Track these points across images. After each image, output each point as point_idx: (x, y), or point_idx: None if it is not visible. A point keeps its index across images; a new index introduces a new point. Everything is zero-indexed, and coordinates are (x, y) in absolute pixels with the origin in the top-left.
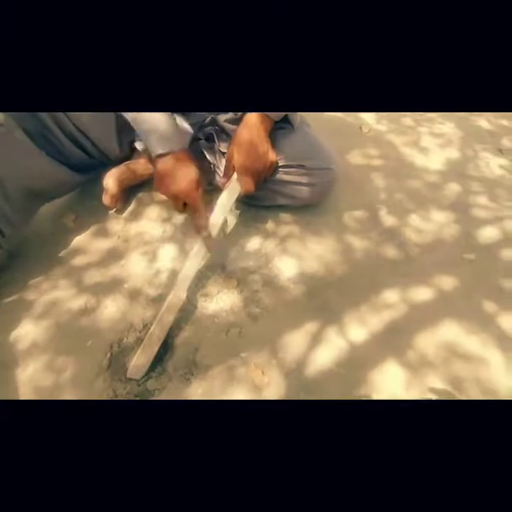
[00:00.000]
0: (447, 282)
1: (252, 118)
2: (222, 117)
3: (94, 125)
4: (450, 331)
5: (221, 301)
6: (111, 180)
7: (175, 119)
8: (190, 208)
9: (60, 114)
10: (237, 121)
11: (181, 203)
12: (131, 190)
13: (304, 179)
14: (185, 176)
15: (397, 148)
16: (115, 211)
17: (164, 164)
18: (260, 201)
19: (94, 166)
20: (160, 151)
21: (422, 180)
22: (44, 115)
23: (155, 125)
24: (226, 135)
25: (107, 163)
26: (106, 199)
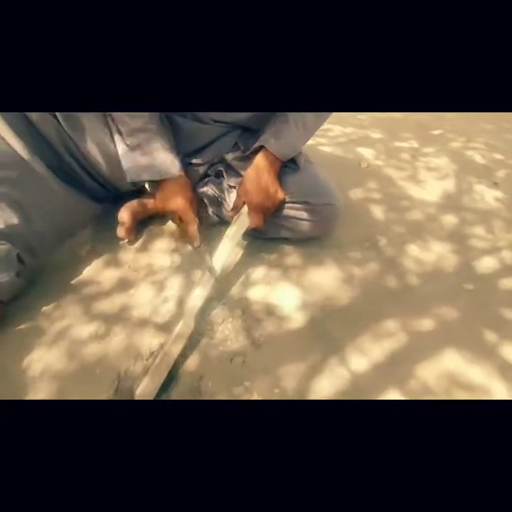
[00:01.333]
0: (447, 312)
1: (263, 159)
2: (230, 156)
3: (105, 163)
4: (451, 361)
5: (226, 329)
6: (125, 214)
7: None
8: (184, 220)
9: (75, 149)
10: (244, 159)
11: (177, 216)
12: (142, 223)
13: (307, 214)
14: (181, 195)
15: (395, 181)
16: (128, 242)
17: (166, 186)
18: (265, 234)
19: (109, 196)
20: (162, 178)
21: (420, 212)
22: (61, 150)
23: (152, 162)
24: (233, 171)
25: (121, 194)
26: (120, 231)
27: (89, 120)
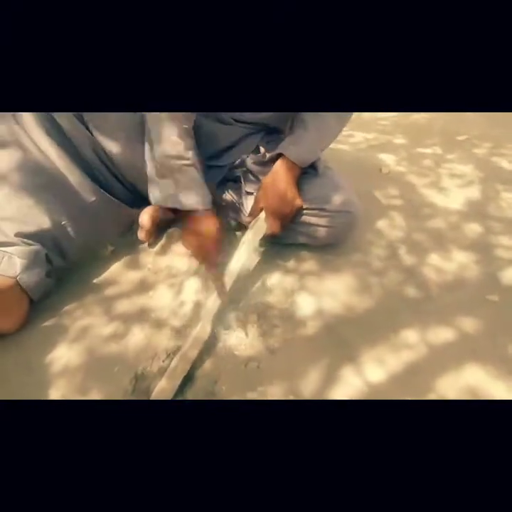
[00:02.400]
0: (470, 323)
1: (282, 166)
2: (250, 160)
3: (127, 170)
4: (473, 375)
5: (241, 334)
6: (146, 217)
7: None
8: (206, 268)
9: (103, 155)
10: (263, 164)
11: (201, 258)
12: (163, 227)
13: (324, 221)
14: (209, 238)
15: (417, 188)
16: (148, 245)
17: (193, 224)
18: (282, 240)
19: (136, 201)
20: (191, 207)
21: (443, 220)
22: (91, 156)
23: (184, 181)
24: (253, 176)
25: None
26: (141, 234)
27: (119, 124)
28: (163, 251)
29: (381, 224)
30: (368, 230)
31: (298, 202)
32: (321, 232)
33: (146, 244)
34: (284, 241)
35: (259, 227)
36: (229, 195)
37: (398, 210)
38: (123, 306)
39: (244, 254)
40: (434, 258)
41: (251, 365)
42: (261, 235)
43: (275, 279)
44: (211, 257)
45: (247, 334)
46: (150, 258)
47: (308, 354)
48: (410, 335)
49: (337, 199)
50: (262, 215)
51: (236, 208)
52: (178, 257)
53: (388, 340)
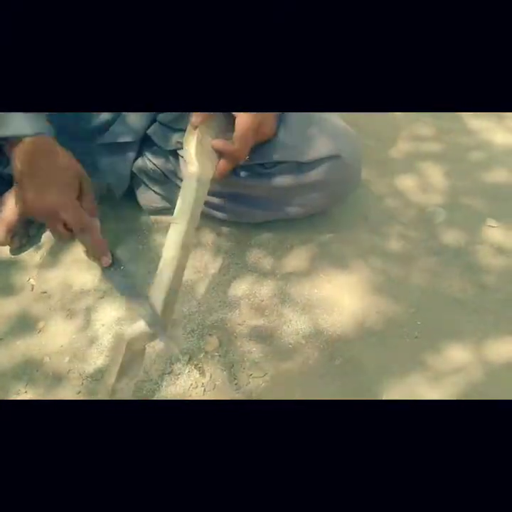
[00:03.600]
0: None
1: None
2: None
3: None
4: None
5: (196, 371)
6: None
7: None
8: (73, 226)
9: None
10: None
11: (61, 224)
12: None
13: (300, 179)
14: (57, 174)
15: (465, 123)
16: (10, 251)
17: (24, 158)
18: (249, 217)
19: None
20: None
21: (506, 171)
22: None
23: None
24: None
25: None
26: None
27: None
28: (51, 256)
29: (406, 179)
30: (382, 190)
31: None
32: (302, 199)
33: (8, 251)
34: (253, 219)
35: (207, 152)
36: (149, 163)
37: (434, 159)
38: None
39: (180, 244)
40: (492, 232)
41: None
42: (212, 169)
43: (243, 282)
44: (77, 213)
45: (203, 371)
46: (29, 270)
47: (304, 390)
48: (455, 350)
49: (312, 143)
50: (203, 129)
51: (163, 180)
52: (78, 264)
53: (422, 362)
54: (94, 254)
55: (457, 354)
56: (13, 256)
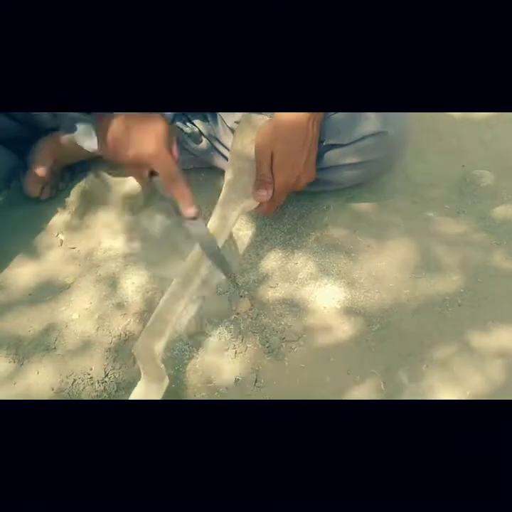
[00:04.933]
0: None
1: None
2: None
3: None
4: None
5: (227, 333)
6: (41, 156)
7: None
8: (162, 178)
9: None
10: None
11: (146, 172)
12: (71, 171)
13: (347, 159)
14: (148, 130)
15: None
16: (41, 196)
17: (118, 119)
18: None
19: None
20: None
21: None
22: None
23: None
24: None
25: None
26: (32, 186)
27: None
28: (81, 214)
29: (450, 144)
30: (427, 157)
31: (312, 174)
32: (346, 175)
33: (44, 202)
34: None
35: (244, 200)
36: (190, 128)
37: (487, 121)
38: (17, 324)
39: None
40: None
41: (245, 380)
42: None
43: (279, 243)
44: (168, 162)
45: (234, 333)
46: (59, 227)
47: (337, 359)
48: (500, 326)
49: (356, 121)
50: (247, 178)
51: (208, 147)
52: (106, 228)
53: (465, 331)
54: (182, 203)
55: (502, 329)
56: (43, 201)
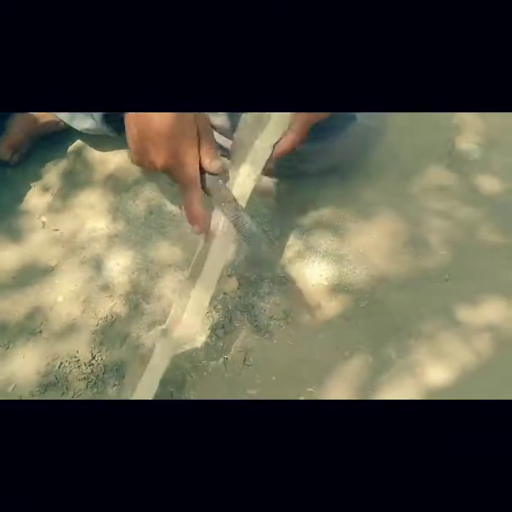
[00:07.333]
0: None
1: None
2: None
3: None
4: None
5: (215, 312)
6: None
7: None
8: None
9: None
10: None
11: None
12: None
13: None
14: (177, 130)
15: None
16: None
17: (142, 116)
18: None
19: None
20: None
21: None
22: None
23: None
24: None
25: None
26: (3, 148)
27: None
28: (63, 195)
29: (437, 119)
30: (413, 131)
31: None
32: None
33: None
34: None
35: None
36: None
37: None
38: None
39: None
40: None
41: (234, 359)
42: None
43: (266, 221)
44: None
45: (221, 313)
46: (41, 209)
47: (326, 336)
48: (487, 298)
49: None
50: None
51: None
52: (89, 208)
53: (453, 306)
54: (187, 218)
55: (489, 303)
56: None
